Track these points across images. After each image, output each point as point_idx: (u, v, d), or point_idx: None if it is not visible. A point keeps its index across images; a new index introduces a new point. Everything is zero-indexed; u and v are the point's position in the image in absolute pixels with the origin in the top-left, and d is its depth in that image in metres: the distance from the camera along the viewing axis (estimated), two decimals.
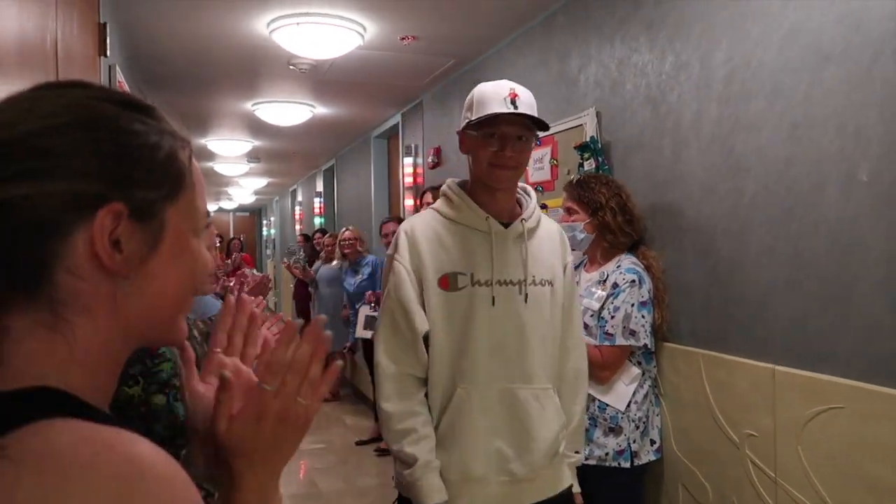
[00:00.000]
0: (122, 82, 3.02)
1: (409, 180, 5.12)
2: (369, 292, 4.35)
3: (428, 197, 3.75)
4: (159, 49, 3.85)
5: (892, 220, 1.60)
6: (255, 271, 4.34)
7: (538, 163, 3.19)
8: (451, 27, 3.44)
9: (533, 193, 1.74)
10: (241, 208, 16.98)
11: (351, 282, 5.03)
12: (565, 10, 3.04)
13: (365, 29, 3.41)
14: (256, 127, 6.09)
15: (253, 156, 8.05)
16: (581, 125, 2.83)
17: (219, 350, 0.82)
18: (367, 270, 4.87)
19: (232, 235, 13.74)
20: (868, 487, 1.63)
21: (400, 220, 4.57)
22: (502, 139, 1.57)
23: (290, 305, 8.87)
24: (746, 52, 2.03)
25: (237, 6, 3.15)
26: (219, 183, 11.05)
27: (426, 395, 1.63)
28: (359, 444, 5.12)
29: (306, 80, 4.48)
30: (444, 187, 1.71)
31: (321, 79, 4.42)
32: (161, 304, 0.62)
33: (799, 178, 1.86)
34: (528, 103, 1.57)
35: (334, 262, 6.42)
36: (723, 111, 2.13)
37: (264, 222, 16.50)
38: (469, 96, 1.64)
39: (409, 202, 5.09)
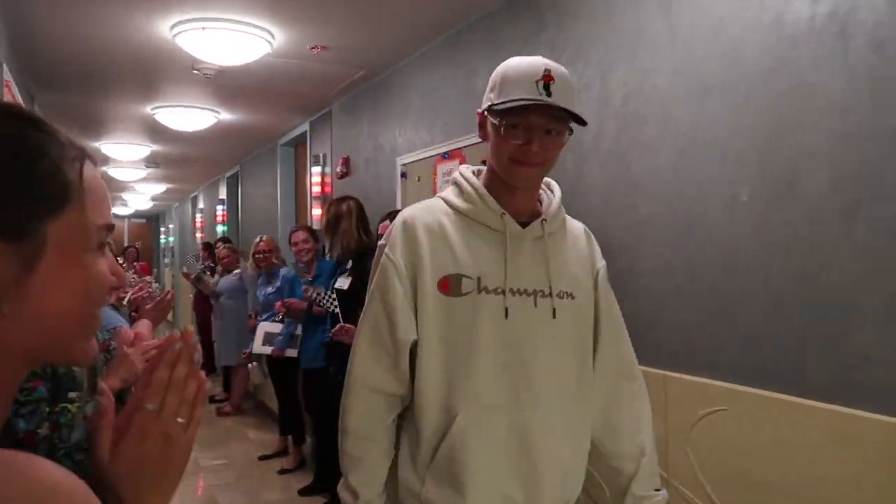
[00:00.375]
0: (9, 81, 2.84)
1: (316, 189, 5.08)
2: (278, 303, 4.27)
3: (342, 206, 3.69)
4: (53, 47, 3.65)
5: (768, 238, 1.76)
6: (151, 280, 4.16)
7: (447, 175, 3.26)
8: (360, 38, 3.46)
9: (557, 190, 1.49)
10: (136, 214, 16.20)
11: (262, 292, 4.92)
12: (472, 28, 3.13)
13: (274, 37, 3.37)
14: (156, 131, 5.86)
15: (151, 161, 7.72)
16: None
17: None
18: (276, 284, 4.78)
19: (127, 243, 13.09)
20: (749, 484, 1.77)
21: (309, 229, 4.52)
22: (528, 131, 1.31)
23: (191, 317, 8.54)
24: (640, 79, 2.17)
25: (139, 7, 3.04)
26: (113, 188, 10.52)
27: (409, 416, 1.38)
28: (262, 458, 4.99)
29: (211, 86, 4.37)
30: (456, 174, 1.46)
31: (227, 84, 4.32)
32: (52, 326, 0.59)
33: (688, 197, 2.00)
34: (564, 90, 1.31)
35: (235, 272, 6.25)
36: (620, 131, 2.26)
37: (162, 229, 15.81)
38: (495, 72, 1.38)
39: (316, 211, 5.05)
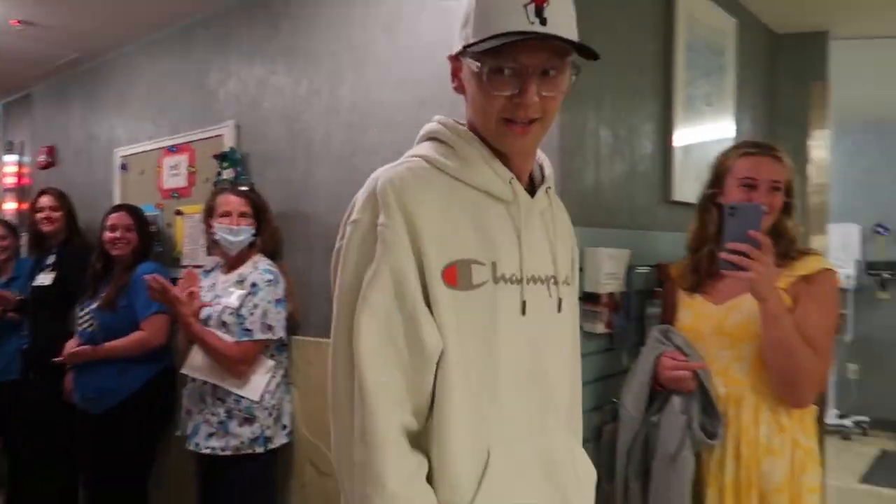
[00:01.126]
0: None
1: (10, 181, 4.53)
2: None
3: (43, 200, 3.40)
4: None
5: None
6: None
7: (174, 169, 3.20)
8: (75, 18, 3.23)
9: (540, 152, 1.17)
10: None
11: None
12: (205, 23, 3.14)
13: None
14: None
15: None
16: (220, 136, 2.95)
17: None
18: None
19: None
20: None
21: (7, 224, 3.98)
22: (520, 76, 0.99)
23: None
24: (365, 91, 2.44)
25: None
26: None
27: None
28: None
29: None
30: (434, 125, 1.13)
31: None
32: None
33: None
34: (561, 13, 0.98)
35: None
36: (347, 135, 2.50)
37: None
38: None
39: (10, 205, 4.49)
